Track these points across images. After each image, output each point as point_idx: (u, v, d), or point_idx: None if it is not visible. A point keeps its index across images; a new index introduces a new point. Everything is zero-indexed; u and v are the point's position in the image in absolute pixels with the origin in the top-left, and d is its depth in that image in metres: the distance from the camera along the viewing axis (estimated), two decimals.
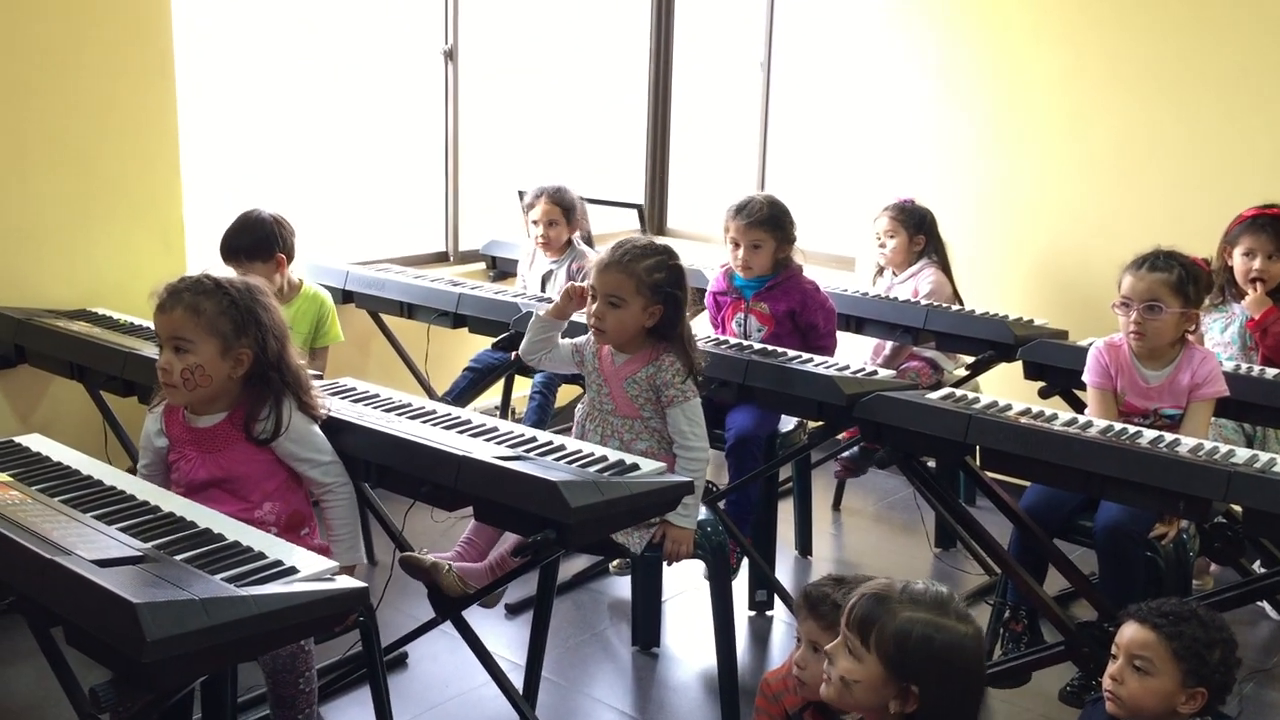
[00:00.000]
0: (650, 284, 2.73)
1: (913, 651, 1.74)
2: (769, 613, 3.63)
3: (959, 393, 2.85)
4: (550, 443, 2.48)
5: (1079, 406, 3.39)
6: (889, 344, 4.15)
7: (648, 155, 5.85)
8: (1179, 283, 2.94)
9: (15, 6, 3.35)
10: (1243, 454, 2.42)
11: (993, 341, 3.69)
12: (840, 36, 5.49)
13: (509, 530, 2.62)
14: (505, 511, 2.30)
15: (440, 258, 5.00)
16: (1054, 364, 3.40)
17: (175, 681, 1.81)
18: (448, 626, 2.77)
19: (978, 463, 2.71)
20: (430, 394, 4.30)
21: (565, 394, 4.52)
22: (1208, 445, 2.50)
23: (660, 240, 2.88)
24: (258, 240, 3.52)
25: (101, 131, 3.60)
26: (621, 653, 3.39)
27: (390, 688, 2.57)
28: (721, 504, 3.35)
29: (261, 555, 1.87)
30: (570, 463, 2.35)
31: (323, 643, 2.66)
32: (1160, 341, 2.99)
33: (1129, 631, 2.14)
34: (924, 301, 4.02)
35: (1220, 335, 3.64)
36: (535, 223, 4.38)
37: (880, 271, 4.40)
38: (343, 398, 2.73)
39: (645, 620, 3.41)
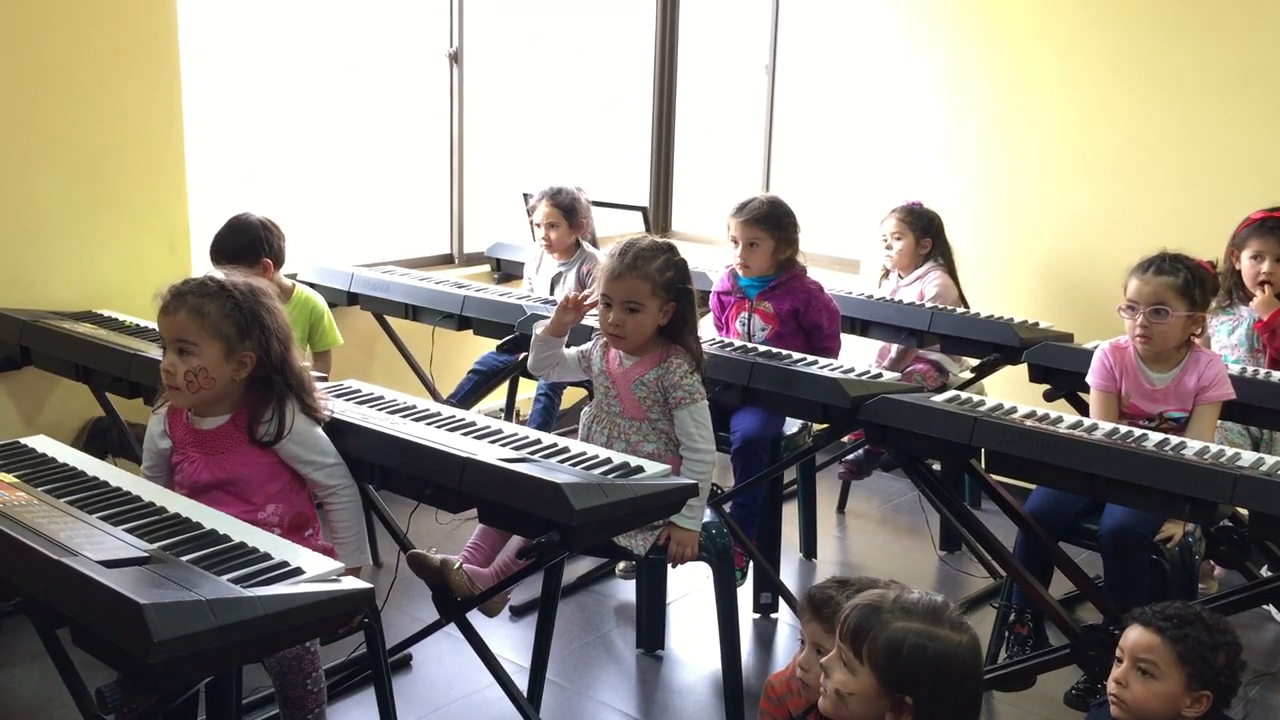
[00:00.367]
0: (664, 283, 2.74)
1: (905, 662, 1.72)
2: (773, 615, 3.62)
3: (964, 395, 2.85)
4: (555, 445, 2.48)
5: (1084, 409, 3.38)
6: (894, 346, 4.15)
7: (652, 157, 5.85)
8: (1185, 286, 2.94)
9: (20, 9, 3.36)
10: (1249, 457, 2.42)
11: (998, 344, 3.69)
12: (845, 39, 5.48)
13: (513, 532, 2.63)
14: (509, 513, 2.30)
15: (445, 260, 5.00)
16: (1059, 367, 3.40)
17: (181, 682, 1.81)
18: (452, 628, 2.77)
19: (983, 465, 2.71)
20: (435, 396, 4.30)
21: (570, 396, 4.52)
22: (1214, 448, 2.49)
23: (657, 238, 2.88)
24: (243, 244, 3.45)
25: (107, 134, 3.60)
26: (626, 655, 3.39)
27: (394, 689, 2.58)
28: (727, 507, 3.36)
29: (267, 556, 1.87)
30: (574, 465, 2.35)
31: (328, 644, 2.67)
32: (1166, 345, 2.99)
33: (1133, 635, 2.14)
34: (929, 304, 4.02)
35: (1227, 338, 3.63)
36: (538, 225, 4.38)
37: (886, 274, 4.40)
38: (347, 400, 2.73)
39: (650, 623, 3.41)
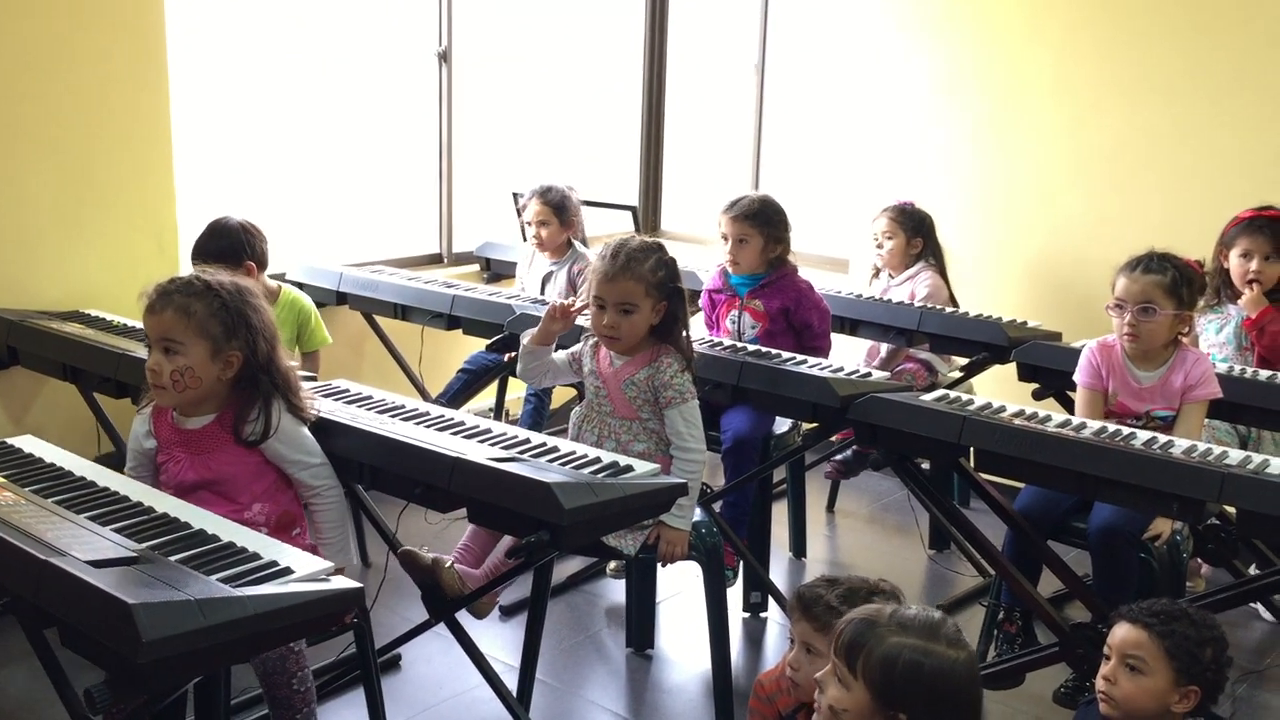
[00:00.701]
0: (656, 283, 2.74)
1: (900, 679, 1.68)
2: (763, 614, 3.63)
3: (953, 394, 2.86)
4: (544, 444, 2.47)
5: (1073, 408, 3.39)
6: (884, 346, 4.16)
7: (642, 157, 5.85)
8: (1173, 284, 2.95)
9: (6, 8, 3.35)
10: (1236, 455, 2.43)
11: (986, 343, 3.70)
12: (834, 39, 5.49)
13: (503, 532, 2.62)
14: (499, 513, 2.30)
15: (434, 259, 5.00)
16: (1048, 366, 3.41)
17: (170, 682, 1.81)
18: (441, 628, 2.77)
19: (972, 464, 2.72)
20: (424, 396, 4.30)
21: (560, 396, 4.52)
22: (1201, 447, 2.50)
23: (646, 238, 2.88)
24: (224, 248, 3.40)
25: (94, 133, 3.59)
26: (616, 655, 3.39)
27: (384, 689, 2.57)
28: (717, 506, 3.36)
29: (256, 556, 1.86)
30: (564, 464, 2.35)
31: (317, 644, 2.66)
32: (1154, 343, 3.00)
33: (1121, 632, 2.15)
34: (920, 304, 4.02)
35: (1215, 336, 3.65)
36: (529, 224, 4.38)
37: (877, 273, 4.40)
38: (335, 399, 2.73)
39: (640, 622, 3.41)
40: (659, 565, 2.87)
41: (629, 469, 2.36)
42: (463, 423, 2.59)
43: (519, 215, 4.81)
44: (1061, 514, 3.00)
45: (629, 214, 5.04)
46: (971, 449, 2.64)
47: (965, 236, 4.48)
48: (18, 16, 3.37)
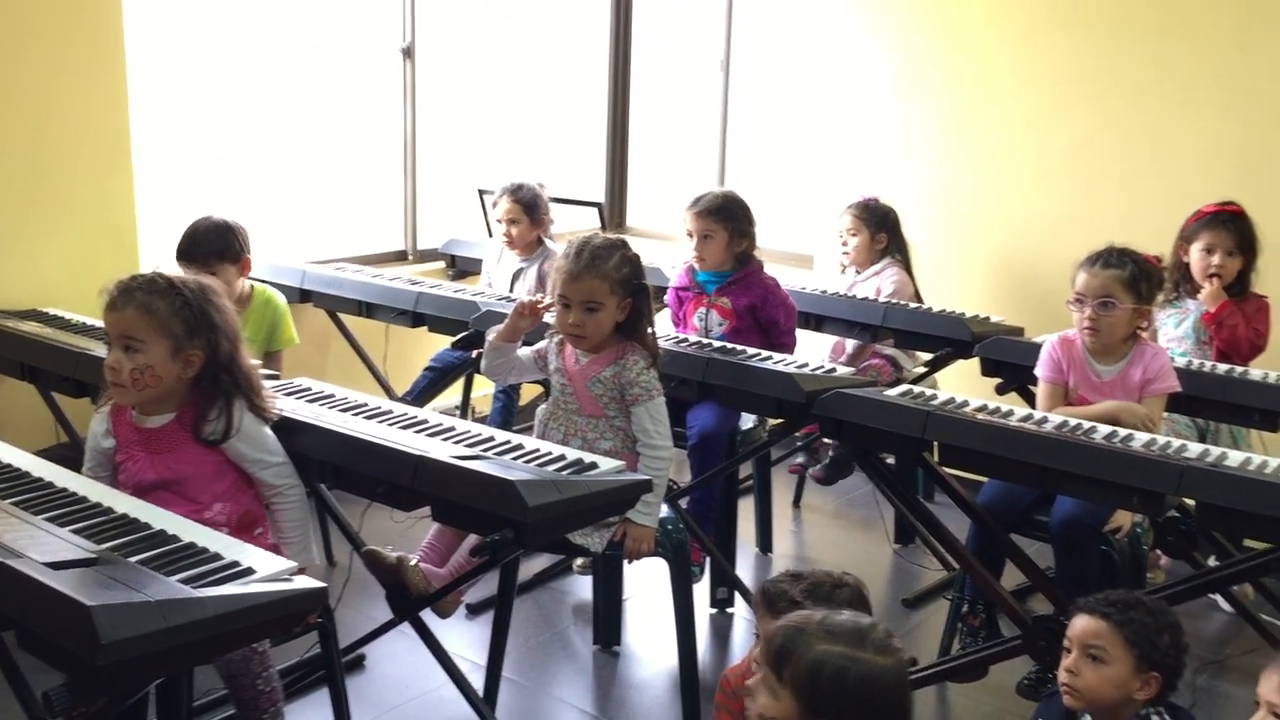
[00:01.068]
0: (620, 281, 2.74)
1: (826, 686, 1.65)
2: (730, 610, 3.64)
3: (917, 389, 2.88)
4: (508, 442, 2.47)
5: (1035, 402, 3.42)
6: (850, 342, 4.18)
7: (608, 153, 5.85)
8: (1132, 279, 2.98)
9: None
10: (1195, 449, 2.46)
11: (950, 339, 3.72)
12: (799, 36, 5.51)
13: (467, 530, 2.61)
14: (463, 511, 2.29)
15: (399, 256, 4.98)
16: (1010, 360, 3.44)
17: (130, 685, 1.79)
18: (407, 627, 2.76)
19: (936, 459, 2.73)
20: (390, 394, 4.28)
21: (528, 392, 4.51)
22: (1160, 440, 2.53)
23: (610, 235, 2.88)
24: (227, 242, 3.44)
25: (52, 130, 3.55)
26: (583, 652, 3.39)
27: (349, 689, 2.57)
28: (683, 502, 3.36)
29: (217, 556, 1.85)
30: (528, 462, 2.34)
31: (281, 644, 2.64)
32: (1113, 337, 3.03)
33: (1080, 623, 2.17)
34: (885, 300, 4.04)
35: (1175, 330, 3.68)
36: (499, 221, 4.37)
37: (843, 269, 4.42)
38: (298, 398, 2.71)
39: (607, 619, 3.41)
40: (625, 562, 2.87)
41: (593, 466, 2.36)
42: (426, 421, 2.58)
43: (485, 212, 4.79)
44: (1024, 508, 3.02)
45: (595, 210, 5.03)
46: (935, 444, 2.66)
47: (929, 233, 4.51)
48: None
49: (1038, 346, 3.22)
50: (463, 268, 4.93)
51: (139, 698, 2.21)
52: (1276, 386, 3.12)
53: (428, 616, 2.73)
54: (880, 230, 4.26)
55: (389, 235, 4.97)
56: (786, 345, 3.62)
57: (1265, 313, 3.60)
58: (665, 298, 3.84)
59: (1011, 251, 4.47)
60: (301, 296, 4.16)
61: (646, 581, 3.68)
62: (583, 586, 3.72)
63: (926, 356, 4.04)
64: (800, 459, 4.36)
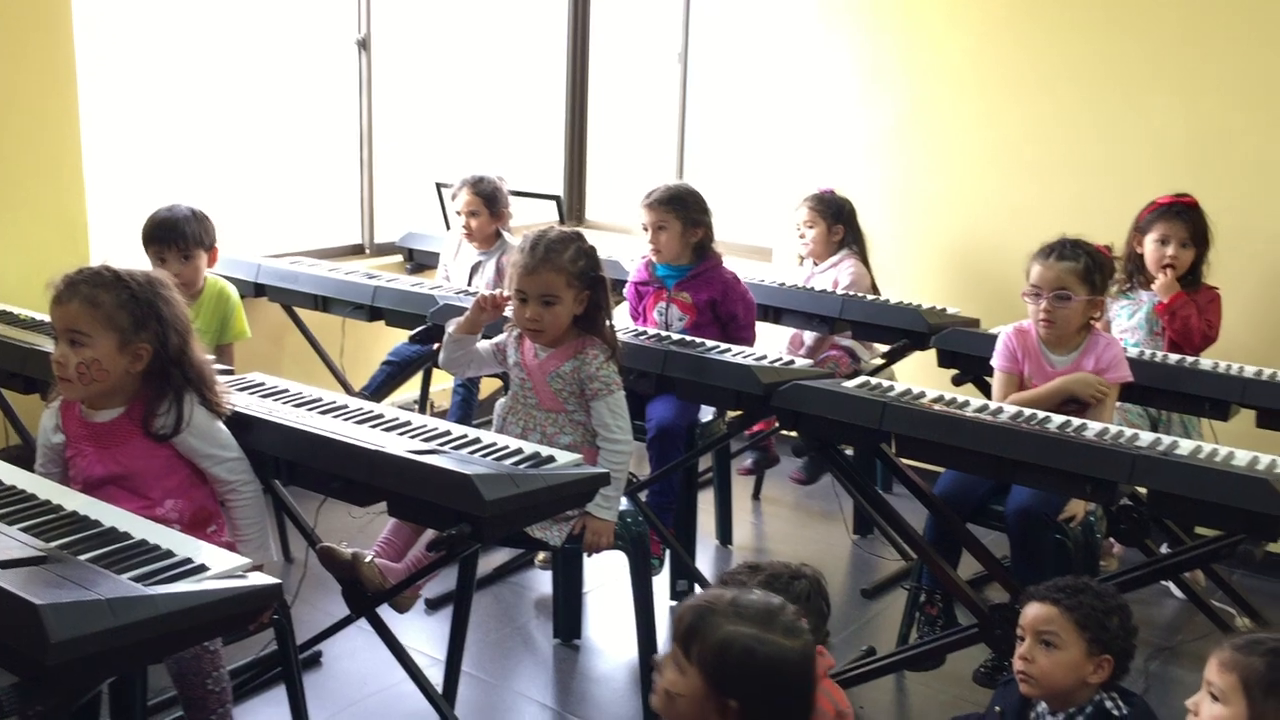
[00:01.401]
0: (577, 273, 2.74)
1: (733, 666, 1.67)
2: None
3: (874, 381, 2.89)
4: (465, 436, 2.45)
5: (991, 393, 3.45)
6: (808, 334, 4.19)
7: (566, 146, 5.83)
8: (1086, 271, 3.01)
9: None
10: (1146, 437, 2.49)
11: (907, 330, 3.74)
12: (756, 28, 5.52)
13: (424, 525, 2.60)
14: (420, 506, 2.28)
15: (356, 250, 4.93)
16: (966, 351, 3.46)
17: (81, 684, 1.77)
18: (365, 623, 2.73)
19: (893, 450, 2.75)
20: (347, 389, 4.24)
21: (488, 386, 4.49)
22: (1113, 429, 2.56)
23: (565, 227, 2.87)
24: (205, 229, 3.46)
25: (0, 123, 3.48)
26: (543, 646, 3.38)
27: (306, 687, 2.54)
28: (643, 495, 3.36)
29: (170, 553, 1.82)
30: (485, 456, 2.33)
31: (236, 641, 2.62)
32: (1069, 328, 3.06)
33: (1032, 611, 2.20)
34: (842, 292, 4.06)
35: (1128, 321, 3.73)
36: (459, 213, 4.34)
37: (801, 261, 4.43)
38: (253, 393, 2.68)
39: (567, 612, 3.41)
40: (585, 555, 2.86)
41: (551, 460, 2.36)
42: (382, 415, 2.56)
43: (443, 205, 4.76)
44: (980, 497, 3.05)
45: (554, 204, 5.02)
46: (893, 434, 2.68)
47: (886, 225, 4.53)
48: None
49: (993, 338, 3.24)
50: (420, 261, 4.90)
51: (92, 697, 2.18)
52: (1226, 376, 3.17)
53: (386, 612, 2.71)
54: (837, 222, 4.28)
55: (345, 229, 4.93)
56: (746, 340, 3.62)
57: (1217, 304, 3.65)
58: (624, 291, 3.83)
59: (967, 243, 4.50)
60: (256, 291, 4.12)
61: (607, 574, 3.68)
62: (543, 581, 3.71)
63: (884, 348, 4.06)
64: (750, 461, 4.38)
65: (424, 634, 3.32)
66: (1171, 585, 3.69)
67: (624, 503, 2.84)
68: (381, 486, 2.30)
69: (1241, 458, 2.36)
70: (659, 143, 5.76)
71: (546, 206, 5.04)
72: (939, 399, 2.74)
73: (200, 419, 2.38)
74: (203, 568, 1.78)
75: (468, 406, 4.38)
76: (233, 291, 3.64)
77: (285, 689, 2.50)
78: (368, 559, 2.59)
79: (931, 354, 3.59)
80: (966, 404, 2.72)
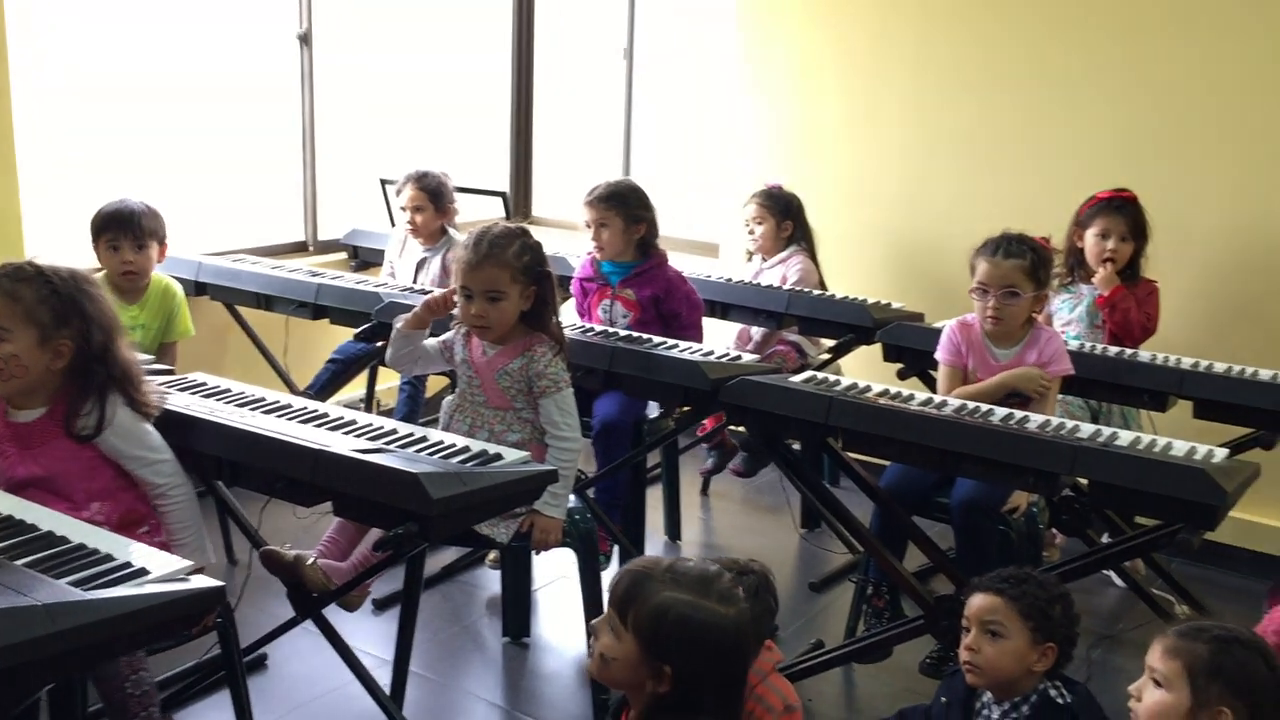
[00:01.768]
0: (522, 268, 2.72)
1: (667, 632, 1.71)
2: None
3: (820, 375, 2.90)
4: (411, 434, 2.43)
5: (935, 387, 3.48)
6: (755, 329, 4.21)
7: (512, 142, 5.81)
8: (1033, 268, 3.05)
9: None
10: (1087, 429, 2.52)
11: (852, 325, 3.77)
12: (702, 23, 5.53)
13: (370, 524, 2.57)
14: (365, 505, 2.26)
15: (299, 248, 4.88)
16: (911, 346, 3.50)
17: (18, 692, 1.73)
18: (312, 624, 2.70)
19: (839, 444, 2.76)
20: (291, 388, 4.19)
21: (435, 384, 4.46)
22: (1055, 421, 2.59)
23: (509, 223, 2.86)
24: (160, 223, 3.47)
25: None
26: (492, 644, 3.37)
27: (251, 690, 2.51)
28: (590, 492, 3.36)
29: (109, 557, 1.79)
30: (432, 454, 2.32)
31: (179, 645, 2.57)
32: (1014, 324, 3.10)
33: (977, 601, 2.23)
34: (790, 288, 4.08)
35: (1069, 314, 3.78)
36: (403, 209, 4.31)
37: (749, 257, 4.44)
38: (194, 393, 2.64)
39: (516, 610, 3.39)
40: (534, 553, 2.85)
41: (498, 458, 2.34)
42: (327, 414, 2.53)
43: (387, 202, 4.72)
44: (925, 490, 3.09)
45: (499, 200, 5.00)
46: (839, 429, 2.69)
47: (831, 221, 4.55)
48: None
49: (938, 332, 3.27)
50: (365, 259, 4.86)
51: (30, 703, 2.14)
52: (1165, 368, 3.23)
53: (333, 612, 2.68)
54: (786, 218, 4.29)
55: (288, 226, 4.87)
56: (691, 338, 3.62)
57: (1155, 297, 3.71)
58: (570, 287, 3.82)
59: (910, 238, 4.54)
60: (197, 289, 4.06)
61: (555, 572, 3.67)
62: (492, 579, 3.69)
63: (830, 343, 4.08)
64: (710, 463, 4.38)
65: (371, 634, 3.29)
66: (1113, 574, 3.75)
67: (572, 500, 2.83)
68: (327, 486, 2.27)
69: (1179, 448, 2.40)
70: (605, 139, 5.76)
71: (492, 202, 5.01)
72: (884, 393, 2.75)
73: (124, 419, 2.34)
74: (143, 571, 1.75)
75: (414, 404, 4.35)
76: (178, 289, 3.60)
77: (230, 693, 2.46)
78: (310, 561, 2.55)
79: (877, 348, 3.63)
80: (911, 398, 2.74)
